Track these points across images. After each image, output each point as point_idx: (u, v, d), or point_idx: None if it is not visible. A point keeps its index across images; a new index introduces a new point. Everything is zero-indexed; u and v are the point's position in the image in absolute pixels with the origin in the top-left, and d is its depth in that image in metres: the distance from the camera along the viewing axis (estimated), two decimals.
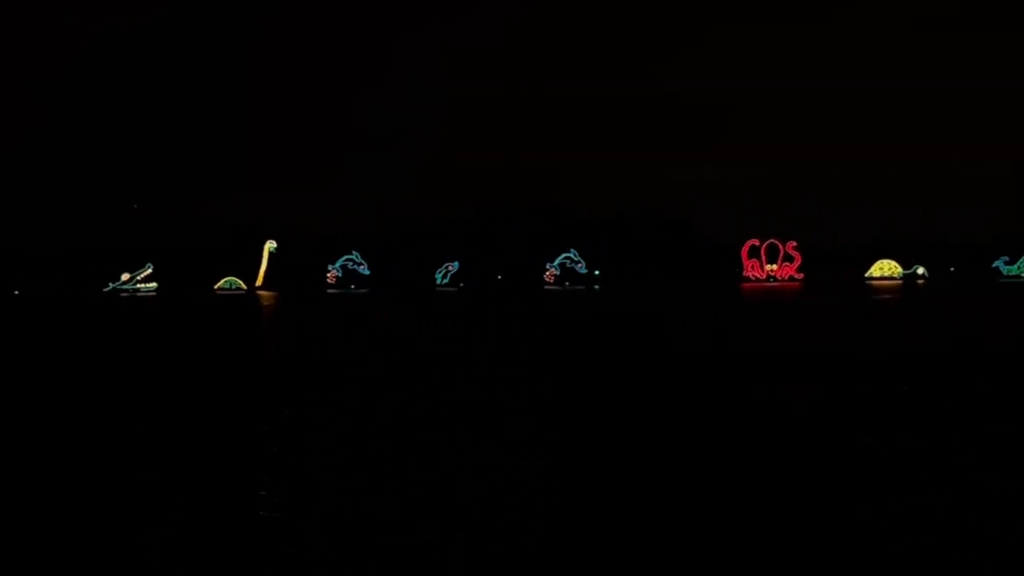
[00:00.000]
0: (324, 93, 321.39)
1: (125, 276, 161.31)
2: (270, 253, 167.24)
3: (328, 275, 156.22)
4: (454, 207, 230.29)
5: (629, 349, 36.79)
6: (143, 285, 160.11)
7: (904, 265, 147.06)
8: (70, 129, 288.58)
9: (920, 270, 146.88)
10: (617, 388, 24.91)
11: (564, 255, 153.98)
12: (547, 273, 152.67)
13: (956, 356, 31.47)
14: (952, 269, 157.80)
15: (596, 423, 19.75)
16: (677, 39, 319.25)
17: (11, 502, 14.21)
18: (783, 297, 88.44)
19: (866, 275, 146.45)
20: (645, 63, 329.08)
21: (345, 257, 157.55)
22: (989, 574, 10.25)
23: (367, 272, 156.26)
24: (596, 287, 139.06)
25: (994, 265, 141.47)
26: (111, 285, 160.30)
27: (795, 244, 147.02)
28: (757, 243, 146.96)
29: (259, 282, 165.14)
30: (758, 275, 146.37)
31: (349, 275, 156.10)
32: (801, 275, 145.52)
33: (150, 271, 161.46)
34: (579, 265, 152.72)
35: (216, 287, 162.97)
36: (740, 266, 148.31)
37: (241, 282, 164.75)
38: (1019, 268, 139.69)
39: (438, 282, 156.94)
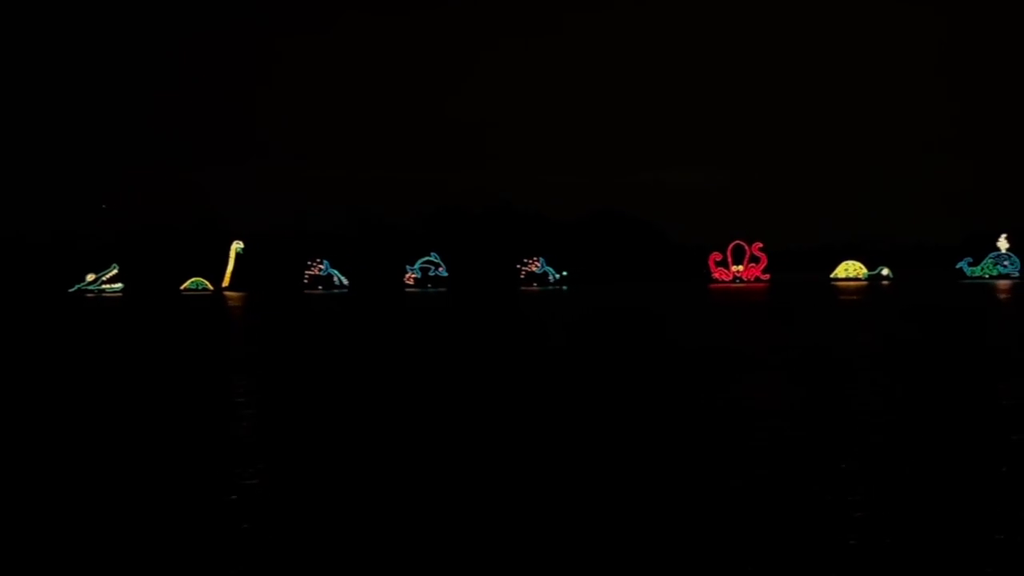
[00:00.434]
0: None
1: (90, 276, 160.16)
2: (237, 254, 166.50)
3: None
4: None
5: (615, 350, 36.92)
6: (108, 286, 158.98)
7: (869, 266, 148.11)
8: (32, 128, 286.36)
9: (885, 271, 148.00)
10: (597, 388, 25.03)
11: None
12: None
13: (918, 355, 31.80)
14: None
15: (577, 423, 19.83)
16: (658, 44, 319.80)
17: None
18: (751, 298, 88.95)
19: (831, 276, 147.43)
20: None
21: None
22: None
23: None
24: (564, 288, 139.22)
25: (958, 266, 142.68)
26: (77, 286, 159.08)
27: (761, 245, 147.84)
28: (720, 257, 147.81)
29: (226, 283, 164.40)
30: (724, 277, 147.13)
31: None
32: (767, 276, 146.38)
33: (115, 271, 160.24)
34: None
35: (182, 288, 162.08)
36: (707, 268, 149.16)
37: (208, 283, 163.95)
38: (982, 269, 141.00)
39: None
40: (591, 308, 72.61)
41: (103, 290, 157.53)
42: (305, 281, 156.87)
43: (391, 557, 11.17)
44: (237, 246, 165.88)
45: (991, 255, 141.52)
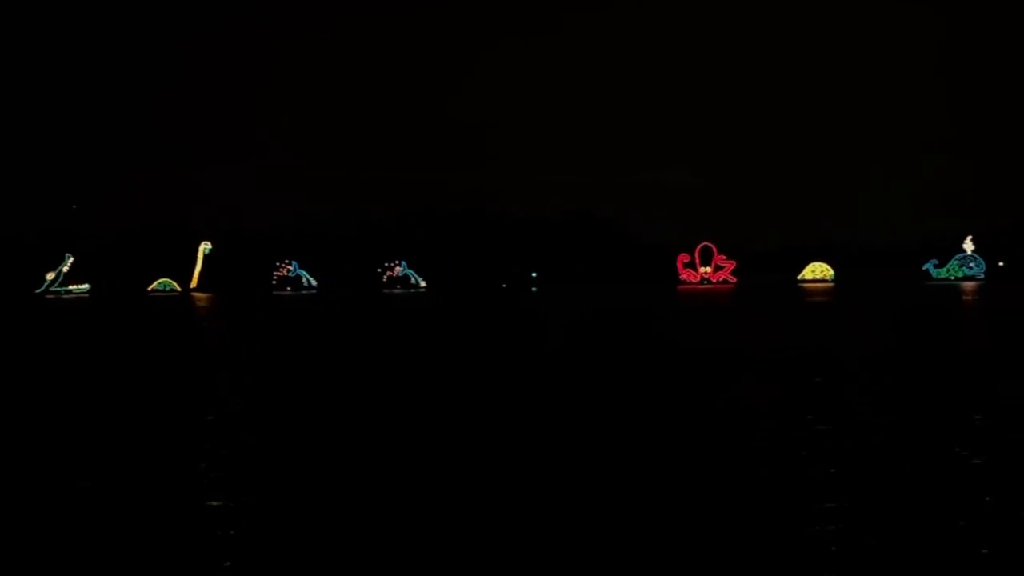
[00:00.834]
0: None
1: (50, 276, 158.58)
2: (205, 255, 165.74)
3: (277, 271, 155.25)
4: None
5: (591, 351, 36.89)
6: (75, 287, 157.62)
7: (836, 268, 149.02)
8: (32, 128, 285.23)
9: (830, 273, 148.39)
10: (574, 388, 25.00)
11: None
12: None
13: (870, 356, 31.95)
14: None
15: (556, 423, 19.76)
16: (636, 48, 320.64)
17: None
18: (716, 299, 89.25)
19: (799, 277, 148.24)
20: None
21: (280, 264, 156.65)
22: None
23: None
24: (533, 289, 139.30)
25: (924, 268, 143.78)
26: (43, 286, 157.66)
27: (725, 258, 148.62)
28: (687, 258, 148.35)
29: (194, 284, 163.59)
30: (692, 278, 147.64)
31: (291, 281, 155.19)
32: (735, 278, 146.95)
33: (71, 261, 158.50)
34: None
35: (150, 289, 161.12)
36: (675, 269, 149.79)
37: (175, 284, 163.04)
38: (948, 271, 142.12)
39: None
40: (587, 310, 72.64)
41: (69, 290, 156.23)
42: (274, 282, 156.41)
43: (367, 560, 11.14)
44: (205, 247, 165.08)
45: (957, 257, 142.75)
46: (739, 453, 16.27)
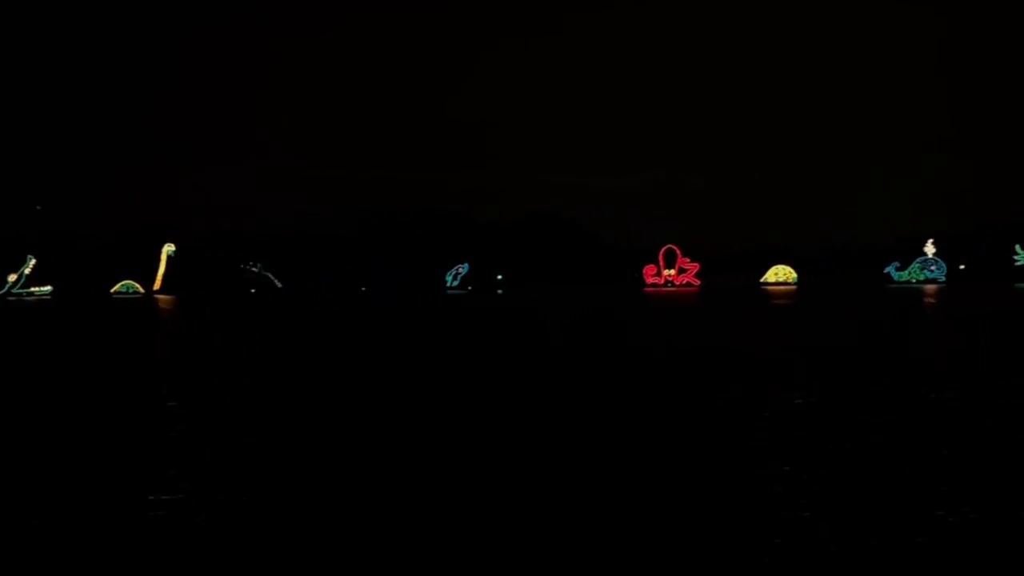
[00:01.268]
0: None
1: (12, 277, 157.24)
2: (168, 256, 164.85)
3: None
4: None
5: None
6: (37, 289, 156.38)
7: (799, 271, 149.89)
8: (32, 128, 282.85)
9: (792, 275, 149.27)
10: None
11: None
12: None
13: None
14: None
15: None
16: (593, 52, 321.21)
17: None
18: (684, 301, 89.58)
19: (761, 280, 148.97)
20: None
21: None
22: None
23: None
24: (499, 291, 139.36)
25: (886, 271, 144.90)
26: (5, 288, 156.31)
27: (689, 261, 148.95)
28: (655, 269, 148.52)
29: (157, 285, 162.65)
30: (656, 281, 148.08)
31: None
32: (698, 281, 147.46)
33: (33, 263, 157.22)
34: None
35: (113, 291, 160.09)
36: (641, 273, 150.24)
37: (138, 286, 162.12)
38: (909, 274, 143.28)
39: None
40: (582, 310, 72.69)
41: (31, 292, 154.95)
42: (240, 283, 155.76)
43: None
44: (168, 249, 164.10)
45: (918, 260, 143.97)
46: (739, 453, 16.30)
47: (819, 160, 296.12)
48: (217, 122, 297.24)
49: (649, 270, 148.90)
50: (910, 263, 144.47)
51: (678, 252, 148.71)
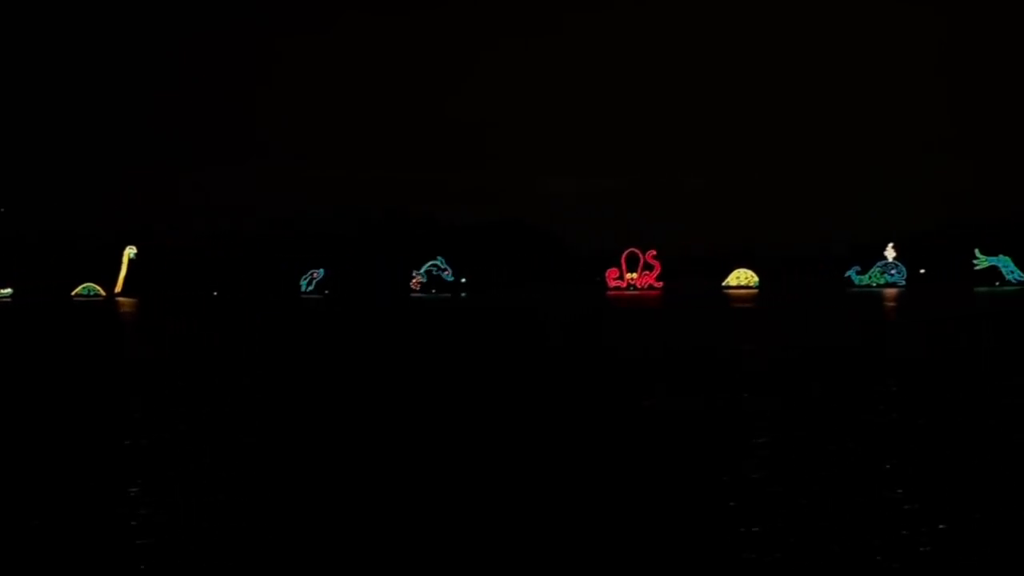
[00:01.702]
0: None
1: None
2: (130, 259, 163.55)
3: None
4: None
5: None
6: None
7: (760, 274, 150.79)
8: (32, 128, 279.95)
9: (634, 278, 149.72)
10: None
11: (431, 263, 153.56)
12: (413, 280, 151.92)
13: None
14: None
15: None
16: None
17: None
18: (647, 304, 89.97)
19: (723, 284, 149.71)
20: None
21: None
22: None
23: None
24: (463, 294, 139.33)
25: (846, 275, 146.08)
26: None
27: (655, 253, 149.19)
28: (617, 272, 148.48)
29: (118, 288, 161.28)
30: (619, 284, 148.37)
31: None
32: (660, 284, 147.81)
33: None
34: (445, 273, 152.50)
35: (74, 293, 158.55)
36: (604, 277, 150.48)
37: (100, 288, 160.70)
38: (870, 278, 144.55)
39: (303, 289, 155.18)
40: (576, 311, 72.77)
41: None
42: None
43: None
44: (130, 251, 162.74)
45: (878, 264, 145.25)
46: (739, 453, 16.35)
47: (819, 160, 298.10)
48: (217, 122, 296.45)
49: (611, 273, 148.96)
50: (870, 267, 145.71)
51: (640, 255, 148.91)
